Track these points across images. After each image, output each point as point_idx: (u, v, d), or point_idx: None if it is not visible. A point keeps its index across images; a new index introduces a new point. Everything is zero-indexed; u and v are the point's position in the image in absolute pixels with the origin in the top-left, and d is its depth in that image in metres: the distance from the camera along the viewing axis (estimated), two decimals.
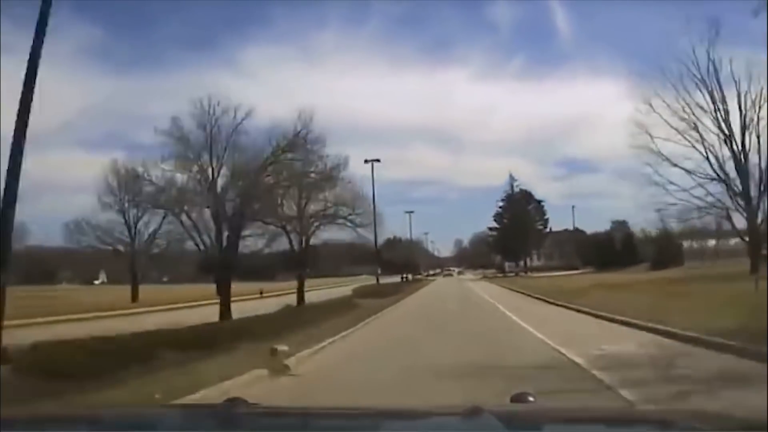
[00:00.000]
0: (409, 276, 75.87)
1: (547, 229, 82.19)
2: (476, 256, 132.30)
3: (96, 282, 71.20)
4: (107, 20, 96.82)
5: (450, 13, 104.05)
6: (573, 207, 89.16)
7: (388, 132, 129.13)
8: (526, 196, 78.81)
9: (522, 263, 77.79)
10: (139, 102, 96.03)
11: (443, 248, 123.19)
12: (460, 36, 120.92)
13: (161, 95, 77.15)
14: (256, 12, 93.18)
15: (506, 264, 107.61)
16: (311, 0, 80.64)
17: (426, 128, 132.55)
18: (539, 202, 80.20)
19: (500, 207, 79.88)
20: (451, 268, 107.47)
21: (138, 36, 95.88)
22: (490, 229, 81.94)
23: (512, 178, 79.26)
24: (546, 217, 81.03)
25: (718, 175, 32.95)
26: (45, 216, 74.81)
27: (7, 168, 6.90)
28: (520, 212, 76.58)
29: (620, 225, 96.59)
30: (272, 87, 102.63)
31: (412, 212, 74.94)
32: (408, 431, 1.88)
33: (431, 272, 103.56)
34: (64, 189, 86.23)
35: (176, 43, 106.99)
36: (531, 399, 2.17)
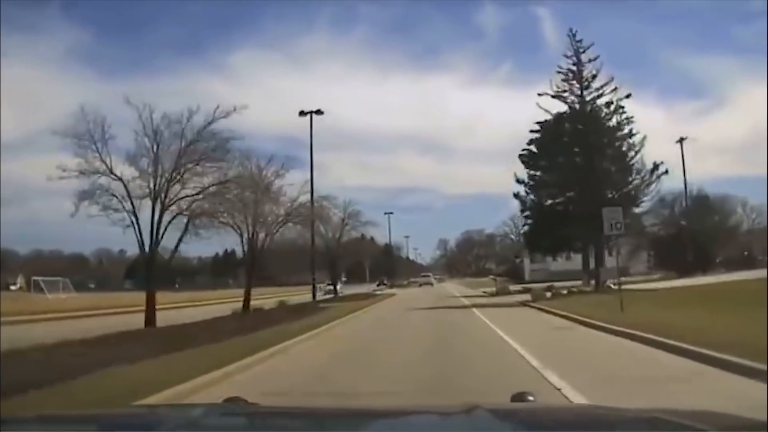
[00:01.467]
0: (334, 286, 46.67)
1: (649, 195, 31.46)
2: (465, 263, 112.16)
3: (12, 288, 66.25)
4: (96, 24, 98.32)
5: (438, 20, 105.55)
6: (681, 140, 46.46)
7: (376, 139, 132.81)
8: (596, 113, 30.31)
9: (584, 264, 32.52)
10: (126, 106, 77.39)
11: (430, 257, 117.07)
12: (448, 43, 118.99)
13: (149, 99, 55.07)
14: (244, 17, 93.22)
15: (526, 266, 70.66)
16: (300, 7, 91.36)
17: (413, 135, 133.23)
18: (631, 131, 30.72)
19: (533, 132, 32.70)
20: (429, 274, 78.15)
21: (127, 40, 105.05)
22: (525, 158, 32.80)
23: (574, 39, 31.74)
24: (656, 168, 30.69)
25: None
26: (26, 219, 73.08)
27: None
28: (591, 143, 29.90)
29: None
30: (260, 92, 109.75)
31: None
32: (408, 431, 1.85)
33: (406, 281, 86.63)
34: (47, 193, 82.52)
35: (165, 48, 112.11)
36: (531, 398, 2.14)
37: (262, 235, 24.13)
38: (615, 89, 31.09)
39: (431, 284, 69.70)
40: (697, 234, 40.88)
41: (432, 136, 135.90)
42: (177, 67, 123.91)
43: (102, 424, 1.84)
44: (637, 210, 31.67)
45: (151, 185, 17.05)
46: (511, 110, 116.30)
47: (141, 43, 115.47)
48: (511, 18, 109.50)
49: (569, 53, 31.89)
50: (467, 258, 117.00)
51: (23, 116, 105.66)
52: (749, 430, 1.59)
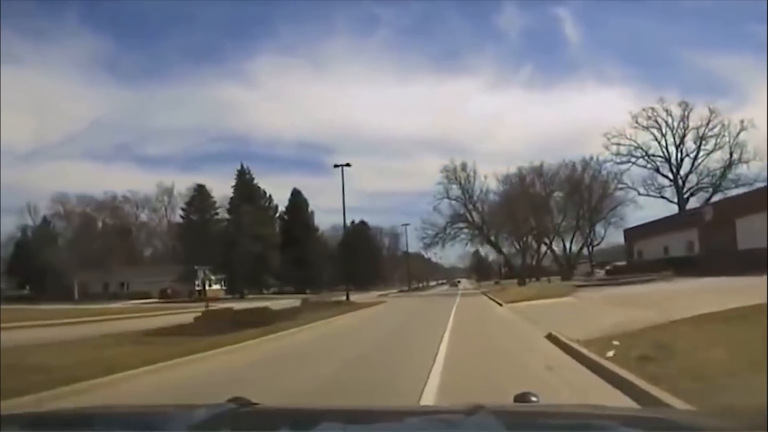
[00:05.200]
0: None
1: None
2: (525, 247, 62.58)
3: None
4: (116, 32, 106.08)
5: (458, 23, 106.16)
6: None
7: (396, 142, 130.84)
8: None
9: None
10: (146, 113, 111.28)
11: (456, 261, 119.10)
12: (468, 46, 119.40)
13: (169, 107, 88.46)
14: (263, 23, 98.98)
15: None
16: (319, 10, 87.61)
17: (434, 139, 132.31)
18: None
19: None
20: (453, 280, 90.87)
21: (146, 48, 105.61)
22: None
23: None
24: None
25: None
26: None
27: None
28: None
29: None
30: (280, 97, 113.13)
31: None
32: (409, 431, 1.87)
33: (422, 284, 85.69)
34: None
35: (184, 55, 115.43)
36: (534, 399, 2.17)
37: None
38: None
39: None
40: None
41: (453, 139, 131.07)
42: (196, 73, 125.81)
43: (102, 424, 1.87)
44: None
45: None
46: (533, 113, 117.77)
47: (158, 50, 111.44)
48: (531, 19, 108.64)
49: None
50: (527, 233, 60.63)
51: (41, 126, 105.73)
52: (749, 430, 1.58)
